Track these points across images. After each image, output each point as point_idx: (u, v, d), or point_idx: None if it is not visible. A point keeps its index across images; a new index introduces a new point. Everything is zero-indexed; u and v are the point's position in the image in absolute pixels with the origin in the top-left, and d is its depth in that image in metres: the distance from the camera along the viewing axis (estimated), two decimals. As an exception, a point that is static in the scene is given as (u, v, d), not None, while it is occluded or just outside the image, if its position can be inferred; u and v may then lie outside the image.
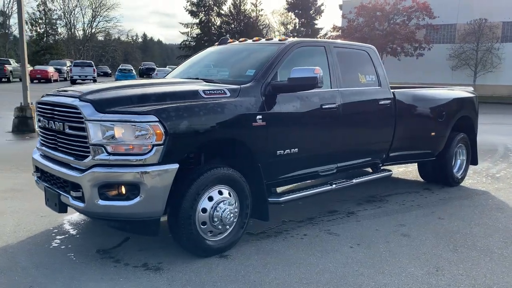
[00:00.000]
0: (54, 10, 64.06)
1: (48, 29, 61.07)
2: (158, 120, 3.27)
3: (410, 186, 6.39)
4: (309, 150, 4.44)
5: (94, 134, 3.28)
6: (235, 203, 3.80)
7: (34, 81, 33.87)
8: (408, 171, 7.37)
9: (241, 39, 5.54)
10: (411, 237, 4.32)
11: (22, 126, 10.85)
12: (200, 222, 3.58)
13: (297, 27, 54.90)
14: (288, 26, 58.56)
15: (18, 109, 11.03)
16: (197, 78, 4.50)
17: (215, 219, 3.64)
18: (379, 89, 5.31)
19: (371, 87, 5.23)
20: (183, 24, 56.73)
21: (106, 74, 49.92)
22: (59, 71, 39.54)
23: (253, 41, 5.14)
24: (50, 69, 36.69)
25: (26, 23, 55.92)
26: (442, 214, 5.05)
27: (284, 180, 4.46)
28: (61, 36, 65.85)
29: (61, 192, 3.60)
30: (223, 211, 3.66)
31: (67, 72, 40.47)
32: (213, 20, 57.24)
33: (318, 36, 48.27)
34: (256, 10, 58.78)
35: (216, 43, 5.59)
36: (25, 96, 11.27)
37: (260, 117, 3.92)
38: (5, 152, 8.46)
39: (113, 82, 4.32)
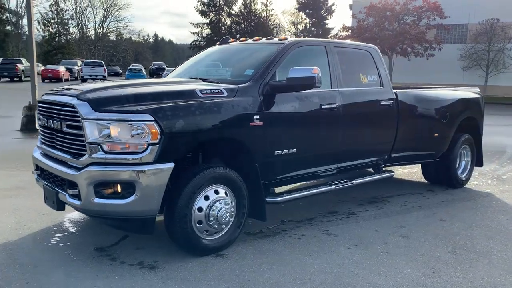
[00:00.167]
0: (66, 10, 65.11)
1: (60, 29, 61.97)
2: (153, 119, 3.29)
3: (413, 188, 6.33)
4: (308, 151, 4.43)
5: (91, 132, 3.32)
6: (232, 202, 3.80)
7: (46, 80, 34.35)
8: (413, 172, 7.31)
9: (241, 39, 5.54)
10: (410, 238, 4.28)
11: (30, 125, 10.95)
12: (196, 221, 3.59)
13: (308, 27, 54.85)
14: (299, 26, 58.63)
15: (27, 108, 11.14)
16: (196, 78, 4.51)
17: (211, 218, 3.64)
18: (381, 90, 5.27)
19: (372, 88, 5.20)
20: (193, 24, 57.21)
21: (116, 74, 50.28)
22: (70, 70, 39.94)
23: (254, 40, 5.14)
24: (61, 69, 37.08)
25: (39, 23, 56.85)
26: (444, 216, 5.00)
27: (283, 180, 4.46)
28: (73, 36, 66.71)
29: (59, 190, 3.65)
30: (219, 211, 3.67)
31: (78, 71, 40.88)
32: (223, 20, 57.51)
33: (328, 36, 48.15)
34: (267, 10, 58.93)
35: (218, 43, 5.60)
36: (33, 95, 11.40)
37: (258, 117, 3.92)
38: (12, 150, 8.57)
39: (113, 81, 4.36)
